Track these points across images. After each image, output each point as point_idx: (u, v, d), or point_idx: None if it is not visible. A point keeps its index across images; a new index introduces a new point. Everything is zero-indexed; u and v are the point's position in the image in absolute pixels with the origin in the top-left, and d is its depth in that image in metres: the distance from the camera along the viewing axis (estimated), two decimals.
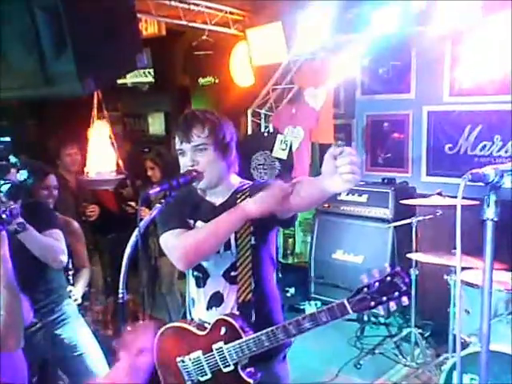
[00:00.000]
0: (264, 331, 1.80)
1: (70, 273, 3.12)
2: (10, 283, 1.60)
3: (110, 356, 2.78)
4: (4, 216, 1.68)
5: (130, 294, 1.73)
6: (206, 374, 1.92)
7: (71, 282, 3.13)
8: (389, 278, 1.70)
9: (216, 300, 1.97)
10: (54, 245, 2.58)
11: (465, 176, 1.42)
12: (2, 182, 1.81)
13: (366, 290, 1.71)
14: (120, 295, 1.62)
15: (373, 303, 1.70)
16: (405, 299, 1.68)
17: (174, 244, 1.86)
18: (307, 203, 1.80)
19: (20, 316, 1.63)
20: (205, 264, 1.98)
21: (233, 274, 1.93)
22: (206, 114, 1.91)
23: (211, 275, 1.97)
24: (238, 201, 1.93)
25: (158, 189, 1.73)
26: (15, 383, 1.77)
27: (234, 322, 1.87)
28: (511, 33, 4.00)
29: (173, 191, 1.76)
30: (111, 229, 4.47)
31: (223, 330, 1.88)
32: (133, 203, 4.24)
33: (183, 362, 1.97)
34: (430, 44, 4.65)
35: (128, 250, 1.67)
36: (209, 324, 1.93)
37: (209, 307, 1.98)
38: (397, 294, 1.68)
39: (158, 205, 1.73)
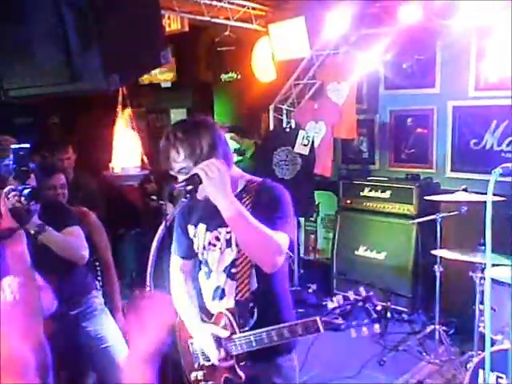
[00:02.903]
0: (252, 332, 1.88)
1: (97, 263, 3.17)
2: (29, 280, 1.64)
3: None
4: (22, 214, 1.73)
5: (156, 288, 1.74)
6: (209, 360, 2.01)
7: (98, 273, 3.18)
8: (360, 304, 1.72)
9: (218, 293, 2.05)
10: (74, 242, 2.65)
11: (495, 170, 1.39)
12: (24, 186, 1.87)
13: (338, 310, 1.73)
14: (147, 289, 1.64)
15: (343, 326, 1.72)
16: (377, 327, 1.70)
17: (170, 273, 2.15)
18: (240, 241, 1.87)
19: (39, 314, 1.66)
20: (209, 260, 2.06)
21: (233, 270, 1.99)
22: (177, 134, 1.83)
23: (213, 270, 2.05)
24: (243, 200, 1.94)
25: (183, 183, 1.74)
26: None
27: (231, 318, 1.95)
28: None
29: (197, 185, 1.77)
30: (136, 223, 4.52)
31: (222, 323, 1.98)
32: (154, 197, 4.26)
33: (192, 344, 2.10)
34: (455, 38, 4.59)
35: (154, 244, 1.69)
36: (214, 314, 2.04)
37: (213, 299, 2.07)
38: (366, 320, 1.70)
39: (183, 199, 1.75)
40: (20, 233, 1.68)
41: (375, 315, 1.70)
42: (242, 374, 1.93)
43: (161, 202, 1.71)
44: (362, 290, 1.75)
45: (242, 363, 1.94)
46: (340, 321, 1.71)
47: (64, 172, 4.13)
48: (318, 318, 1.74)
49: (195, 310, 2.10)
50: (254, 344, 1.87)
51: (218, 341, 1.95)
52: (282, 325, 1.84)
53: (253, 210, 1.88)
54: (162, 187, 4.38)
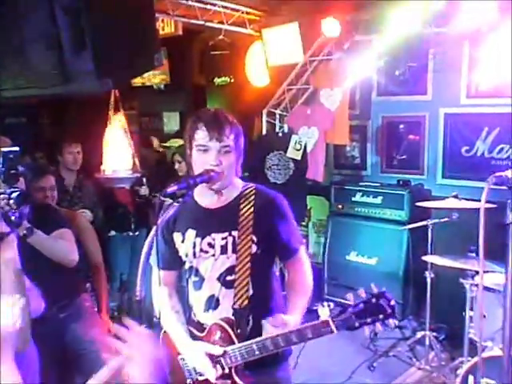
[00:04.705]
0: (254, 340, 1.81)
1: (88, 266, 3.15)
2: (19, 286, 1.62)
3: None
4: (13, 218, 1.71)
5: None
6: (204, 375, 1.93)
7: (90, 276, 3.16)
8: (374, 300, 1.70)
9: (212, 303, 1.98)
10: (63, 245, 2.63)
11: (488, 179, 1.40)
12: (12, 190, 1.86)
13: (350, 309, 1.70)
14: (137, 293, 1.62)
15: (357, 324, 1.69)
16: (391, 322, 1.69)
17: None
18: None
19: (27, 319, 1.65)
20: (200, 267, 1.99)
21: (228, 278, 1.94)
22: (232, 118, 1.94)
23: (206, 279, 1.99)
24: (241, 206, 1.94)
25: (175, 187, 1.73)
26: (26, 379, 1.79)
27: (227, 328, 1.89)
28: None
29: (190, 190, 1.77)
30: (127, 226, 4.50)
31: (218, 335, 1.90)
32: (157, 194, 4.24)
33: (183, 360, 2.00)
34: (447, 45, 4.62)
35: (145, 248, 1.67)
36: (207, 326, 1.96)
37: (206, 310, 2.00)
38: (381, 316, 1.68)
39: (175, 203, 1.74)
40: (11, 237, 1.67)
41: (390, 310, 1.67)
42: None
43: (163, 198, 1.69)
44: (373, 286, 1.72)
45: (241, 373, 1.87)
46: (354, 320, 1.68)
47: (70, 169, 4.13)
48: (329, 319, 1.70)
49: (183, 327, 2.01)
50: (257, 352, 1.79)
51: (213, 358, 1.87)
52: (288, 330, 1.77)
53: (256, 216, 1.92)
54: (155, 190, 4.36)
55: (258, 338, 1.80)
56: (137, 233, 4.53)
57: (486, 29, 4.24)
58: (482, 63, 4.62)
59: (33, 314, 1.95)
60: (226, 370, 1.87)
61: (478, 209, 1.48)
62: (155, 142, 5.29)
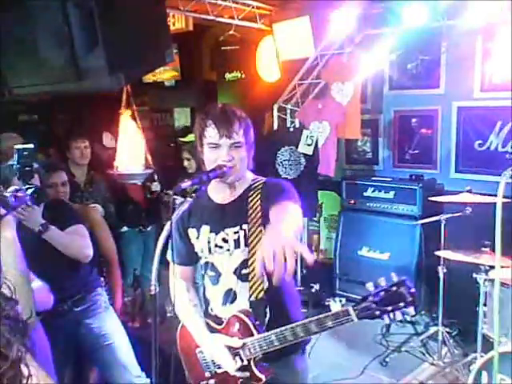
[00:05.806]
0: (273, 331, 1.82)
1: (102, 259, 3.17)
2: (19, 266, 1.65)
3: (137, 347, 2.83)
4: (10, 201, 1.75)
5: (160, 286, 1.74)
6: (222, 367, 1.95)
7: (104, 270, 3.19)
8: (394, 288, 1.70)
9: (229, 297, 2.00)
10: (77, 241, 2.66)
11: (505, 172, 1.38)
12: (27, 186, 1.89)
13: (371, 298, 1.70)
14: (152, 287, 1.63)
15: (378, 312, 1.69)
16: (411, 310, 1.68)
17: (170, 282, 1.98)
18: None
19: (30, 300, 1.67)
20: (216, 262, 2.02)
21: (244, 271, 1.96)
22: (240, 112, 1.95)
23: (223, 273, 2.01)
24: (250, 199, 1.96)
25: (189, 183, 1.73)
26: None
27: (246, 320, 1.90)
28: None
29: (203, 185, 1.78)
30: (139, 222, 4.52)
31: (237, 327, 1.92)
32: (170, 191, 4.22)
33: (202, 353, 2.03)
34: (460, 38, 4.58)
35: (160, 243, 1.68)
36: (225, 319, 1.98)
37: (223, 304, 2.02)
38: (402, 304, 1.68)
39: (188, 198, 1.74)
40: (9, 218, 1.70)
41: (410, 298, 1.67)
42: (261, 376, 1.87)
43: (174, 196, 1.71)
44: (393, 274, 1.72)
45: (259, 365, 1.88)
46: (375, 308, 1.68)
47: (79, 164, 4.14)
48: (350, 308, 1.71)
49: (201, 319, 2.04)
50: (276, 343, 1.81)
51: (232, 350, 1.89)
52: (308, 319, 1.77)
53: (263, 207, 1.91)
54: (168, 185, 4.38)
55: (277, 329, 1.81)
56: (149, 228, 4.56)
57: (498, 21, 4.19)
58: (495, 56, 4.58)
59: (42, 308, 1.97)
60: (245, 362, 1.88)
61: (492, 203, 1.47)
62: (105, 139, 5.04)
